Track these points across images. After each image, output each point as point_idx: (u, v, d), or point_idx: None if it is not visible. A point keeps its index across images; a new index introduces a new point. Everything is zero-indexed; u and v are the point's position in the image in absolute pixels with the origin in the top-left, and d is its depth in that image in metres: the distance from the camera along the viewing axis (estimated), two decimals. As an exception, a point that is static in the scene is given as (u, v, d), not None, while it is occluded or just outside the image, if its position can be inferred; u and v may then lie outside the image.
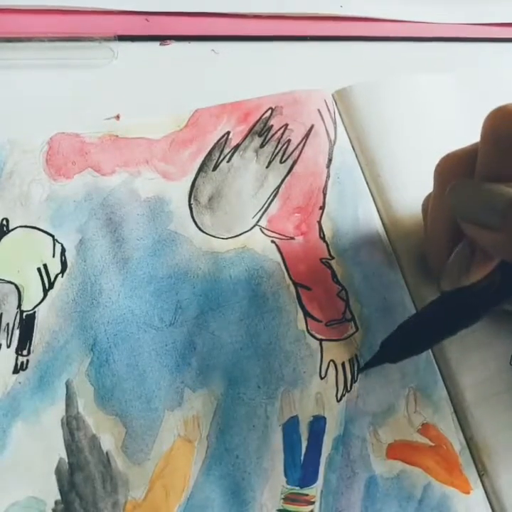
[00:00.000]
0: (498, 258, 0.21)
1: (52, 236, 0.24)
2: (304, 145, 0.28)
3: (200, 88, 0.29)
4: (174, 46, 0.31)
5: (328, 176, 0.28)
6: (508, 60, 0.36)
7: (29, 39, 0.28)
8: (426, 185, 0.24)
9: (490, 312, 0.22)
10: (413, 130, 0.29)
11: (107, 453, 0.22)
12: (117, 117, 0.27)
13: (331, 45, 0.33)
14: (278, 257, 0.26)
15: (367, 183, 0.28)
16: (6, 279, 0.23)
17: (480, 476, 0.24)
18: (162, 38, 0.31)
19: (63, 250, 0.24)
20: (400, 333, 0.24)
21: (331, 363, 0.24)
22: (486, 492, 0.23)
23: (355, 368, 0.25)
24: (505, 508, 0.23)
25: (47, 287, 0.23)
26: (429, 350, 0.25)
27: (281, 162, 0.28)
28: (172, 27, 0.31)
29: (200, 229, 0.26)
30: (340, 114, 0.29)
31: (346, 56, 0.33)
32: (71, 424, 0.22)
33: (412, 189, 0.27)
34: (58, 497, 0.21)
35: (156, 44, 0.31)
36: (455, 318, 0.22)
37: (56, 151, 0.25)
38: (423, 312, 0.24)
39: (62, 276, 0.24)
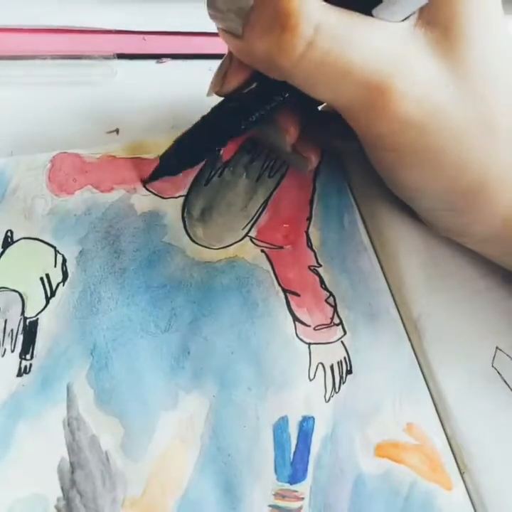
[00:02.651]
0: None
1: (54, 247, 0.25)
2: (290, 160, 0.29)
3: (196, 103, 0.31)
4: (170, 64, 0.33)
5: (314, 189, 0.29)
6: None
7: (33, 57, 0.29)
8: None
9: (255, 122, 0.24)
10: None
11: (106, 452, 0.22)
12: (117, 131, 0.29)
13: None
14: (268, 266, 0.27)
15: (352, 195, 0.30)
16: (10, 287, 0.24)
17: (461, 474, 0.24)
18: (158, 57, 0.33)
19: (64, 261, 0.25)
20: (178, 146, 0.26)
21: (320, 365, 0.25)
22: (467, 489, 0.24)
23: (344, 370, 0.26)
24: (486, 505, 0.23)
25: (49, 295, 0.25)
26: (412, 354, 0.26)
27: (269, 177, 0.29)
28: (167, 46, 0.33)
29: (193, 240, 0.27)
30: (326, 130, 0.31)
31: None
32: (72, 425, 0.23)
33: (393, 199, 0.29)
34: (60, 494, 0.22)
35: (152, 62, 0.32)
36: (223, 126, 0.24)
37: (58, 169, 0.27)
38: (196, 126, 0.26)
39: (63, 285, 0.25)
